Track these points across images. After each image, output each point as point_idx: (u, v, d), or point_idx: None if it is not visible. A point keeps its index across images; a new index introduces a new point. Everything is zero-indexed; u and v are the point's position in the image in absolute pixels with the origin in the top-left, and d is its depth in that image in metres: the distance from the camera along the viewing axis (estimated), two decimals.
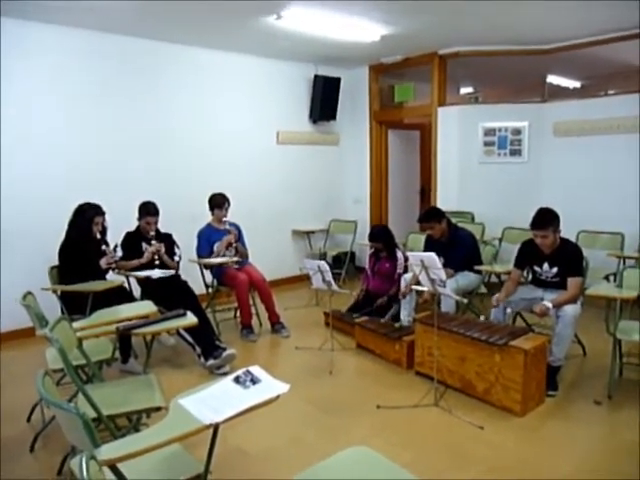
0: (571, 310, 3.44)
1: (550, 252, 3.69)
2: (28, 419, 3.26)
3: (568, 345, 3.57)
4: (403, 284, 4.47)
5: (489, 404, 3.36)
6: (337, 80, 6.82)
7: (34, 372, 1.87)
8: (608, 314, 3.56)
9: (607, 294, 3.58)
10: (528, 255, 3.85)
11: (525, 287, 3.96)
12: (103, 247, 4.11)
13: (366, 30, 5.21)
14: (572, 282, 3.57)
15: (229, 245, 4.87)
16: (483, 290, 4.84)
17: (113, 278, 4.22)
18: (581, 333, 4.03)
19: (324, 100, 6.77)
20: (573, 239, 4.47)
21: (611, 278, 4.82)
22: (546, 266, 3.75)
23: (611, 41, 5.50)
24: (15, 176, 4.71)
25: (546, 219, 3.60)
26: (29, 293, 2.99)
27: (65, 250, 3.98)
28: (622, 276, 3.65)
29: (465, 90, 8.37)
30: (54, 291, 3.91)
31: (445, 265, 3.46)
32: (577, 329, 3.68)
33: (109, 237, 4.24)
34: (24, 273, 4.58)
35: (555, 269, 3.71)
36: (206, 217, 5.02)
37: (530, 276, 4.00)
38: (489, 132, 6.21)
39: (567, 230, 3.91)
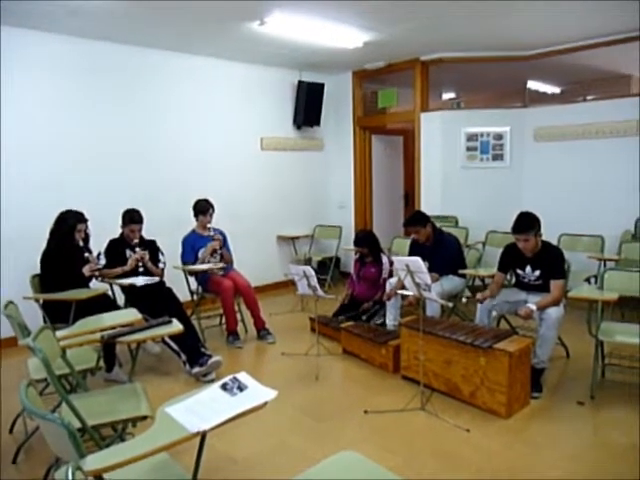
0: (554, 312, 3.49)
1: (532, 255, 3.74)
2: (10, 430, 3.20)
3: (552, 347, 3.61)
4: (389, 289, 4.49)
5: (475, 407, 3.38)
6: (321, 86, 6.85)
7: (16, 383, 1.84)
8: (590, 316, 3.62)
9: (589, 296, 3.63)
10: (511, 259, 3.90)
11: (509, 290, 4.00)
12: (86, 255, 4.07)
13: (349, 36, 5.25)
14: (555, 284, 3.62)
15: (214, 251, 4.86)
16: (467, 294, 4.88)
17: (97, 286, 4.18)
18: (564, 335, 4.09)
19: (308, 106, 6.79)
20: (554, 242, 4.54)
21: (592, 280, 4.89)
22: (529, 269, 3.80)
23: (591, 47, 5.61)
24: None
25: (527, 223, 3.64)
26: (10, 302, 2.94)
27: (47, 258, 3.93)
28: (603, 278, 3.71)
29: (447, 96, 8.46)
30: (36, 300, 3.85)
31: (430, 269, 3.48)
32: (560, 331, 3.72)
33: (92, 245, 4.20)
34: (5, 282, 4.51)
35: (537, 272, 3.76)
36: (190, 223, 5.00)
37: (513, 279, 4.05)
38: (471, 137, 6.28)
39: (548, 233, 3.96)
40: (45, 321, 3.71)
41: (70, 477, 1.32)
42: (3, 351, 4.51)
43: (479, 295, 3.84)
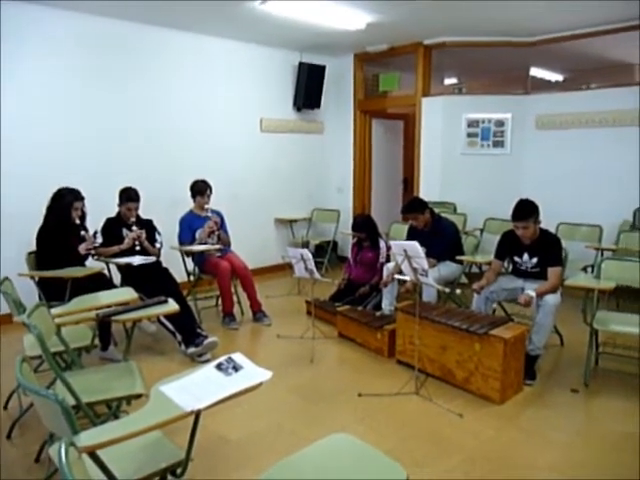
0: (551, 299, 3.49)
1: (530, 243, 3.73)
2: (5, 406, 3.21)
3: (548, 334, 3.63)
4: (385, 273, 4.49)
5: (469, 392, 3.40)
6: (322, 68, 6.77)
7: (12, 359, 1.84)
8: (586, 305, 3.62)
9: (585, 285, 3.63)
10: (508, 246, 3.89)
11: (505, 277, 4.00)
12: (82, 233, 4.04)
13: (351, 17, 5.17)
14: (552, 272, 3.62)
15: (211, 232, 4.84)
16: (464, 280, 4.88)
17: (93, 265, 4.16)
18: (559, 323, 4.08)
19: (308, 88, 6.72)
20: (553, 231, 4.53)
21: (589, 269, 4.90)
22: (526, 257, 3.80)
23: (596, 34, 5.55)
24: None
25: (527, 210, 3.63)
26: (6, 279, 2.93)
27: (43, 235, 3.90)
28: (600, 267, 3.71)
29: (449, 81, 8.37)
30: (32, 277, 3.83)
31: (427, 255, 3.47)
32: (555, 319, 3.74)
33: (89, 223, 4.18)
34: (1, 258, 4.49)
35: (535, 259, 3.75)
36: (188, 204, 4.97)
37: (510, 267, 4.05)
38: (472, 123, 6.24)
39: (547, 222, 3.96)
40: (40, 298, 3.70)
41: (63, 453, 1.32)
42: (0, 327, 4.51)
43: (475, 285, 3.84)
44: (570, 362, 3.90)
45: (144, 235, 4.38)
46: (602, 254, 4.92)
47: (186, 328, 4.01)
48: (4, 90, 4.61)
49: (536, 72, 6.82)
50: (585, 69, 6.91)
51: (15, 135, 4.72)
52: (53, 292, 3.68)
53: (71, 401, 2.13)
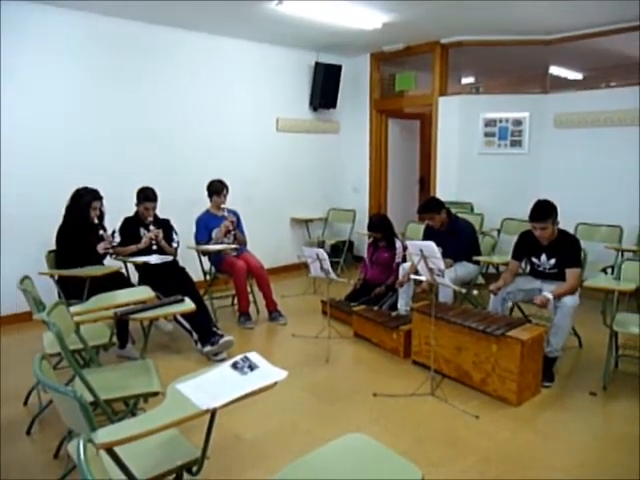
0: (570, 301, 3.45)
1: (548, 243, 3.69)
2: (25, 402, 3.27)
3: (566, 336, 3.58)
4: (401, 273, 4.47)
5: (485, 394, 3.37)
6: (338, 68, 6.77)
7: (31, 356, 1.86)
8: (605, 306, 3.57)
9: (605, 286, 3.58)
10: (526, 246, 3.85)
11: (523, 278, 3.96)
12: (101, 232, 4.10)
13: (368, 17, 5.16)
14: (571, 273, 3.57)
15: (227, 232, 4.86)
16: (481, 281, 4.84)
17: (111, 264, 4.21)
18: (577, 325, 4.04)
19: (324, 88, 6.72)
20: (572, 231, 4.47)
21: (609, 271, 4.82)
22: (544, 257, 3.75)
23: (615, 32, 5.46)
24: (14, 159, 4.68)
25: (545, 211, 3.59)
26: (26, 277, 2.97)
27: (62, 235, 3.96)
28: (620, 268, 3.65)
29: (466, 80, 8.31)
30: (51, 276, 3.89)
31: (444, 255, 3.45)
32: (574, 321, 3.69)
33: (107, 222, 4.23)
34: (22, 257, 4.57)
35: (553, 260, 3.71)
36: (204, 203, 5.00)
37: (528, 267, 4.00)
38: (490, 123, 6.18)
39: (566, 222, 3.91)
40: (60, 297, 3.76)
41: (81, 449, 1.34)
42: (19, 325, 4.58)
43: (492, 286, 3.80)
44: (589, 364, 3.85)
45: (161, 234, 4.42)
46: (622, 255, 4.85)
47: (202, 327, 4.04)
48: (20, 92, 4.68)
49: (555, 70, 6.74)
50: (604, 67, 6.81)
51: (31, 135, 4.79)
52: (72, 290, 3.73)
53: (89, 398, 2.16)
